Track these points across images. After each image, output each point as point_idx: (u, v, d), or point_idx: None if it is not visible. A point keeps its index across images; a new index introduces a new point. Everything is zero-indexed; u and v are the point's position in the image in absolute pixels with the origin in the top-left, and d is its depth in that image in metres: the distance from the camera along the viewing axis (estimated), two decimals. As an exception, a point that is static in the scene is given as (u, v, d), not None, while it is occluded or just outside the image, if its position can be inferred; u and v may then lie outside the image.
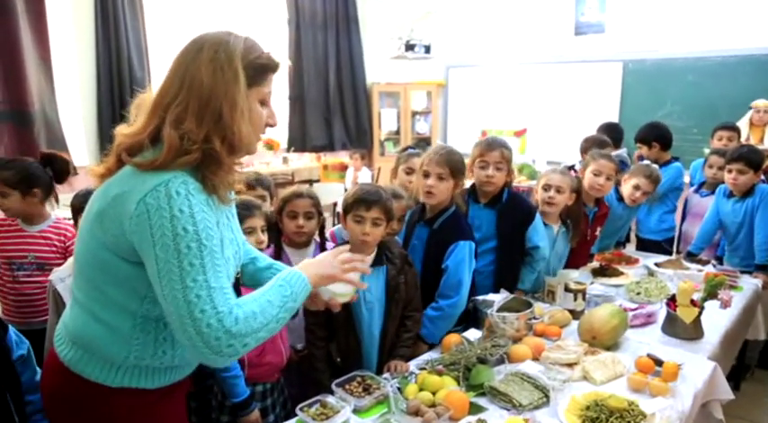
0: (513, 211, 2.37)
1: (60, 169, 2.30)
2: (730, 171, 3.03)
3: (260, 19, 6.31)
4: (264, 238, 1.95)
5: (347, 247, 1.44)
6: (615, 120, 5.44)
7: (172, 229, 1.05)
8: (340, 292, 1.36)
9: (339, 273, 1.31)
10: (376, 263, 1.95)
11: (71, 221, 2.31)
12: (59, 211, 2.44)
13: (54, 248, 2.29)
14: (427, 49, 6.87)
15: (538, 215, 2.46)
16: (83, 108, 4.84)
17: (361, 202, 1.87)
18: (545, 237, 2.45)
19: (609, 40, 5.72)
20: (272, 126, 1.28)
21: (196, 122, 1.11)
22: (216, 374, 1.78)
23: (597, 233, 2.97)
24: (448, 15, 6.81)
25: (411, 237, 2.25)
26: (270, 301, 1.15)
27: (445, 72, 6.95)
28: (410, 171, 2.63)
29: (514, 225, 2.37)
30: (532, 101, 6.27)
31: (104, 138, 4.86)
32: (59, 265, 2.23)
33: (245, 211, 1.84)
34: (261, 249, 1.92)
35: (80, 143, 4.83)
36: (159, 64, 5.33)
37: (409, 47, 6.81)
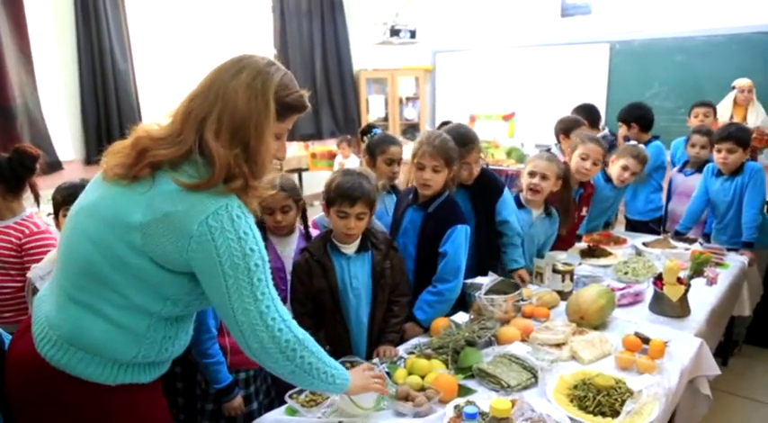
0: (483, 188, 2.37)
1: (22, 164, 2.17)
2: (720, 150, 3.03)
3: (244, 7, 6.23)
4: None
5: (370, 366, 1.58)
6: (603, 101, 5.45)
7: (240, 250, 1.14)
8: (361, 404, 1.48)
9: (370, 383, 1.45)
10: (360, 249, 1.95)
11: (39, 218, 2.22)
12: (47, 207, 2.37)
13: (10, 245, 2.14)
14: (413, 34, 6.82)
15: (507, 190, 2.44)
16: (66, 101, 4.77)
17: (344, 197, 1.84)
18: (514, 211, 2.43)
19: (595, 22, 5.70)
20: (279, 159, 1.35)
21: (230, 143, 1.15)
22: (198, 362, 1.79)
23: (584, 213, 2.98)
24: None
25: (402, 220, 2.24)
26: (324, 361, 1.29)
27: (432, 57, 6.92)
28: (390, 162, 2.60)
29: (486, 202, 2.37)
30: (520, 84, 6.25)
31: (89, 131, 4.80)
32: (14, 263, 2.13)
33: None
34: None
35: (65, 137, 4.77)
36: (143, 55, 5.27)
37: (394, 32, 6.76)
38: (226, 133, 1.15)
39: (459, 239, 2.07)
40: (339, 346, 1.92)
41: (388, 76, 7.08)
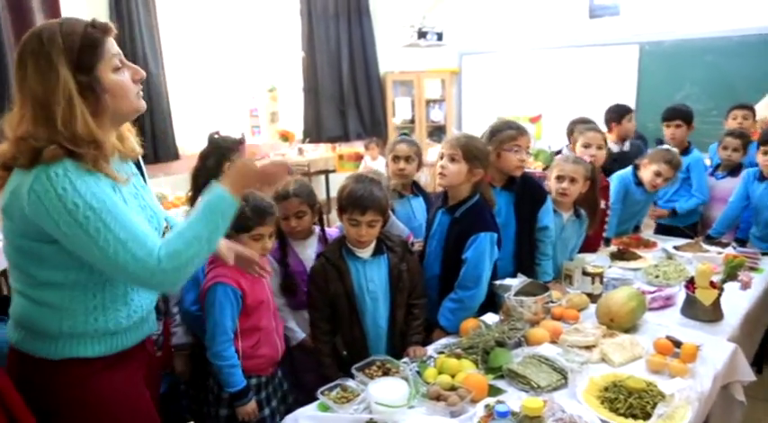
0: (528, 192, 2.36)
1: None
2: (766, 153, 2.97)
3: (273, 11, 6.32)
4: (270, 245, 1.90)
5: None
6: (632, 103, 5.36)
7: (64, 207, 1.15)
8: (391, 404, 1.46)
9: (259, 169, 1.34)
10: (376, 252, 1.96)
11: None
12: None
13: None
14: (439, 37, 6.83)
15: (549, 198, 2.44)
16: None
17: (355, 206, 1.86)
18: (553, 219, 2.43)
19: (624, 23, 5.64)
20: (141, 79, 1.33)
21: (33, 125, 1.18)
22: (213, 364, 1.76)
23: (603, 207, 2.94)
24: (459, 2, 6.76)
25: (433, 222, 2.25)
26: (196, 236, 1.24)
27: (459, 59, 6.91)
28: (396, 159, 2.61)
29: (530, 206, 2.36)
30: (547, 86, 6.21)
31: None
32: None
33: (256, 218, 1.79)
34: (264, 254, 1.89)
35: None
36: (174, 59, 5.38)
37: (421, 34, 6.77)
38: (31, 121, 1.17)
39: (481, 247, 2.04)
40: (356, 349, 1.93)
41: (414, 78, 7.10)
